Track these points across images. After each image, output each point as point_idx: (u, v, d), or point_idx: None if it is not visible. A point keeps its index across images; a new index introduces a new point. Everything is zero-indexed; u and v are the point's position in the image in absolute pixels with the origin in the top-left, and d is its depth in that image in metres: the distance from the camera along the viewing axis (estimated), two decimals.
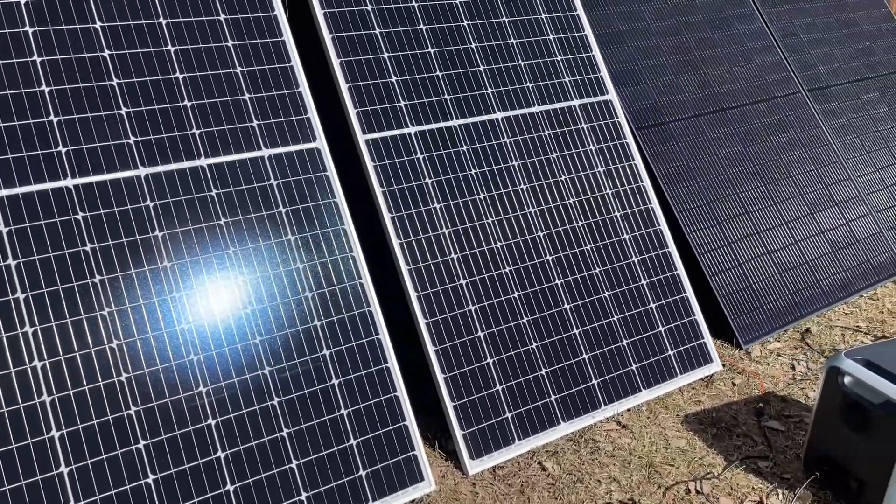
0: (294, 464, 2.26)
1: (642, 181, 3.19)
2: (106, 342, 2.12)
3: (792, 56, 4.16)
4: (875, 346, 2.34)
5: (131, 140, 2.31)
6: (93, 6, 2.35)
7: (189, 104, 2.42)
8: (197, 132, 2.41)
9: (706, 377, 3.01)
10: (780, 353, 3.18)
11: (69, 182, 2.19)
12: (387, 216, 2.65)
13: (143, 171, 2.30)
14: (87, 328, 2.11)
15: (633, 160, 3.21)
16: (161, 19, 2.45)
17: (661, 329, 3.00)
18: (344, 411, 2.37)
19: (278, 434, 2.27)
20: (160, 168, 2.33)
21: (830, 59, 4.31)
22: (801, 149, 3.87)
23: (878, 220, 3.89)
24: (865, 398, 2.20)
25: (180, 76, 2.43)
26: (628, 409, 2.82)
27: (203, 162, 2.40)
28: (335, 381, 2.39)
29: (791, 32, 4.24)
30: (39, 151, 2.18)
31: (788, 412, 2.80)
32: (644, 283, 3.04)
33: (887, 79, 4.49)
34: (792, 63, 4.13)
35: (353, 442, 2.36)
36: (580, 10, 3.31)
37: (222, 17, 2.55)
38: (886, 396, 2.13)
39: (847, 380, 2.26)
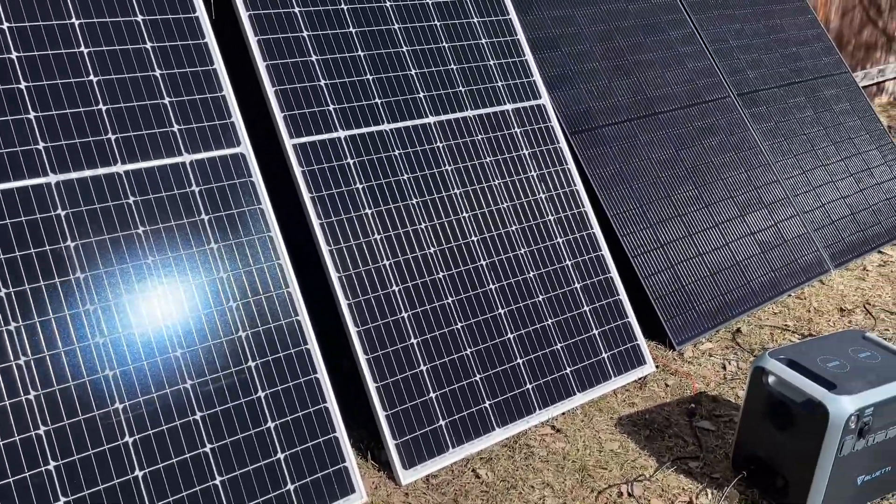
0: (218, 480, 2.18)
1: (575, 185, 3.21)
2: (12, 359, 2.01)
3: (722, 61, 4.24)
4: (798, 346, 2.38)
5: (41, 146, 2.20)
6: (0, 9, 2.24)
7: (104, 108, 2.32)
8: (113, 137, 2.32)
9: (640, 379, 3.04)
10: (711, 354, 3.23)
11: None
12: (316, 222, 2.59)
13: (53, 179, 2.19)
14: None
15: (567, 164, 3.22)
16: (74, 19, 2.35)
17: (595, 332, 3.02)
18: (271, 424, 2.31)
19: (201, 450, 2.19)
20: (73, 175, 2.22)
21: (758, 65, 4.42)
22: (732, 152, 3.95)
23: (805, 220, 4.00)
24: (788, 397, 2.24)
25: (94, 79, 2.33)
26: (563, 413, 2.82)
27: (119, 168, 2.30)
28: (261, 394, 2.32)
29: (721, 38, 4.33)
30: None
31: (719, 412, 2.84)
32: (578, 286, 3.05)
33: (813, 83, 4.62)
34: (722, 68, 4.22)
35: (280, 455, 2.29)
36: (513, 15, 3.31)
37: (140, 17, 2.46)
38: (807, 395, 2.18)
39: (771, 379, 2.30)
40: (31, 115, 2.21)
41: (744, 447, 2.42)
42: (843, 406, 2.11)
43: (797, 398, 2.21)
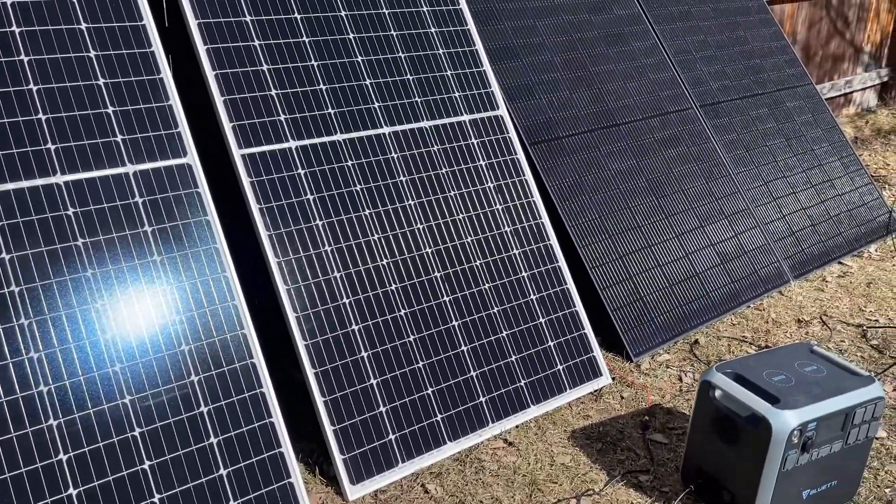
0: (157, 497, 2.14)
1: (532, 196, 3.20)
2: (24, 353, 1.96)
3: (685, 73, 4.27)
4: (745, 360, 2.39)
5: None
6: None
7: (44, 117, 2.28)
8: (52, 147, 2.27)
9: (595, 391, 3.03)
10: (668, 365, 3.23)
11: None
12: (264, 234, 2.56)
13: None
14: (3, 339, 1.94)
15: (524, 175, 3.21)
16: (14, 27, 2.30)
17: (551, 344, 3.01)
18: (213, 440, 2.27)
19: (139, 467, 2.14)
20: (8, 186, 2.18)
21: (722, 76, 4.44)
22: (693, 163, 3.97)
23: (766, 231, 4.02)
24: (734, 411, 2.23)
25: (34, 87, 2.29)
26: (516, 426, 2.81)
27: (59, 179, 2.26)
28: (204, 409, 2.28)
29: (684, 49, 4.35)
30: None
31: (673, 424, 2.84)
32: (534, 298, 3.03)
33: (776, 95, 4.66)
34: (685, 79, 4.24)
35: (223, 471, 2.25)
36: (471, 25, 3.30)
37: (83, 25, 2.42)
38: (752, 409, 2.17)
39: (717, 393, 2.29)
40: None
41: (692, 460, 2.42)
42: (785, 420, 2.11)
43: (742, 412, 2.21)
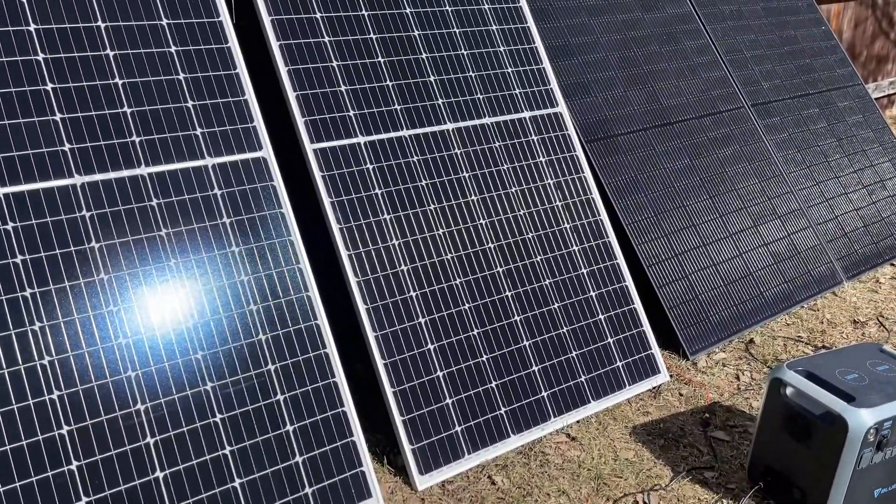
0: (237, 482, 2.19)
1: (591, 193, 3.22)
2: (37, 359, 2.02)
3: (736, 72, 4.26)
4: (816, 357, 2.39)
5: (66, 147, 2.22)
6: (27, 8, 2.26)
7: (129, 111, 2.34)
8: (137, 140, 2.33)
9: (654, 388, 3.04)
10: (725, 364, 3.23)
11: None
12: (335, 227, 2.60)
13: (78, 180, 2.21)
14: (16, 344, 2.01)
15: (583, 172, 3.23)
16: (100, 22, 2.37)
17: (610, 340, 3.02)
18: (290, 427, 2.32)
19: (220, 452, 2.20)
20: (97, 177, 2.24)
21: (773, 76, 4.43)
22: (745, 162, 3.96)
23: (818, 232, 4.00)
24: (806, 409, 2.24)
25: (120, 82, 2.35)
26: (577, 421, 2.83)
27: (143, 171, 2.32)
28: (280, 397, 2.33)
29: (735, 49, 4.34)
30: None
31: (733, 422, 2.85)
32: (593, 294, 3.05)
33: (826, 95, 4.63)
34: (736, 78, 4.23)
35: (298, 459, 2.30)
36: (531, 23, 3.32)
37: (164, 21, 2.48)
38: (826, 407, 2.18)
39: (789, 391, 2.30)
40: (58, 116, 2.23)
41: (760, 458, 2.43)
42: (861, 419, 2.11)
43: (815, 410, 2.21)
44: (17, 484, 1.93)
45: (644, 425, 2.82)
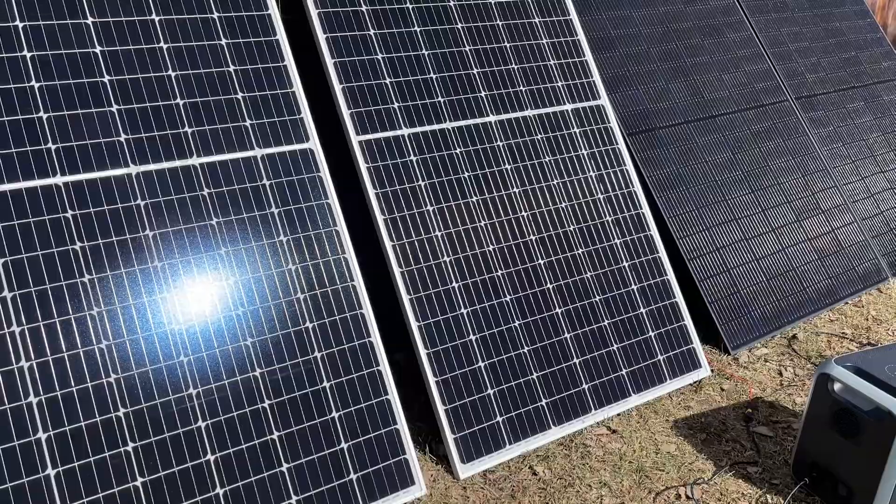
0: (284, 467, 2.24)
1: (633, 186, 3.20)
2: (94, 343, 2.09)
3: (780, 64, 4.20)
4: (864, 353, 2.36)
5: (122, 138, 2.28)
6: (85, 3, 2.32)
7: (182, 102, 2.39)
8: (189, 131, 2.38)
9: (695, 382, 3.03)
10: (767, 359, 3.21)
11: (59, 179, 2.16)
12: (380, 218, 2.63)
13: (134, 170, 2.27)
14: (75, 328, 2.07)
15: (625, 165, 3.22)
16: (154, 16, 2.42)
17: (651, 334, 3.01)
18: (335, 414, 2.35)
19: (269, 437, 2.24)
20: (152, 166, 2.30)
21: (817, 68, 4.35)
22: (789, 156, 3.91)
23: (863, 228, 3.94)
24: (855, 405, 2.21)
25: (173, 74, 2.40)
26: (618, 414, 2.83)
27: (195, 161, 2.37)
28: (327, 384, 2.37)
29: (779, 41, 4.28)
30: (29, 148, 2.14)
31: (776, 418, 2.82)
32: (634, 288, 3.05)
33: (872, 88, 4.54)
34: (780, 71, 4.17)
35: (344, 445, 2.34)
36: (573, 15, 3.32)
37: (215, 14, 2.53)
38: (876, 403, 2.15)
39: (837, 386, 2.28)
40: (114, 107, 2.29)
41: (805, 454, 2.41)
42: None
43: (865, 406, 2.19)
44: (76, 464, 1.99)
45: (685, 419, 2.81)
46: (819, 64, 4.39)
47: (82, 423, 2.02)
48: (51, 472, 1.96)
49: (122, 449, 2.05)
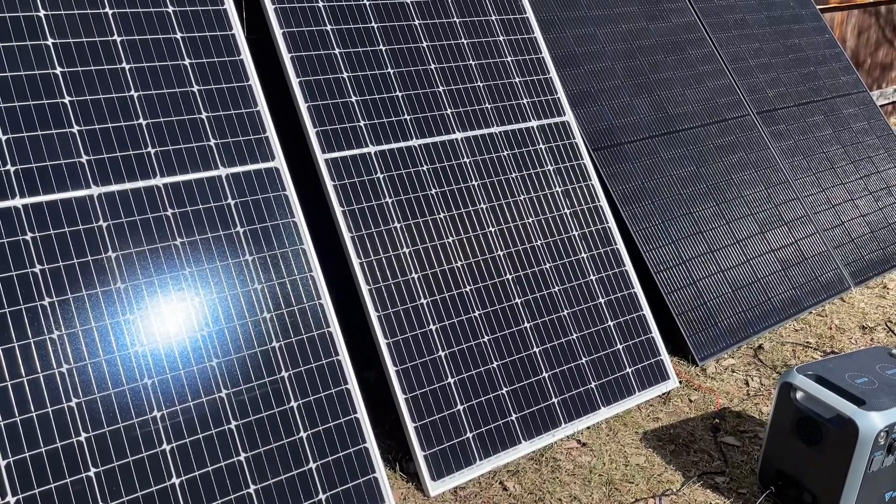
0: (252, 488, 2.21)
1: (599, 201, 3.24)
2: (55, 366, 2.05)
3: (741, 80, 4.29)
4: (825, 362, 2.40)
5: (84, 159, 2.26)
6: (44, 23, 2.31)
7: (144, 122, 2.38)
8: (152, 151, 2.37)
9: (663, 394, 3.05)
10: (734, 370, 3.25)
11: (17, 202, 2.13)
12: (346, 235, 2.64)
13: (96, 191, 2.25)
14: (34, 352, 2.04)
15: (590, 180, 3.26)
16: (116, 36, 2.41)
17: (620, 347, 3.04)
18: (303, 434, 2.34)
19: (235, 458, 2.22)
20: (114, 187, 2.28)
21: (777, 83, 4.45)
22: (752, 170, 3.98)
23: (825, 238, 4.02)
24: (817, 412, 2.25)
25: (135, 94, 2.39)
26: (588, 427, 2.84)
27: (159, 181, 2.35)
28: (294, 404, 2.35)
29: (740, 57, 4.37)
30: None
31: (743, 427, 2.86)
32: (602, 301, 3.07)
33: (831, 102, 4.66)
34: (741, 86, 4.26)
35: (312, 465, 2.32)
36: (537, 33, 3.36)
37: (178, 35, 2.53)
38: (837, 411, 2.19)
39: (799, 395, 2.31)
40: (75, 128, 2.27)
41: (771, 462, 2.44)
42: (872, 422, 2.12)
43: (826, 414, 2.23)
44: (37, 490, 1.96)
45: (654, 431, 2.83)
46: (779, 79, 4.49)
47: (42, 449, 1.99)
48: (10, 499, 1.92)
49: (83, 474, 2.02)
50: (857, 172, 4.45)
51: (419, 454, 2.51)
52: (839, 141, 4.51)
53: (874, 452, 2.14)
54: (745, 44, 4.46)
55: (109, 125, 2.33)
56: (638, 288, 3.18)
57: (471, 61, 3.14)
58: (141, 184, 2.32)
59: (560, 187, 3.17)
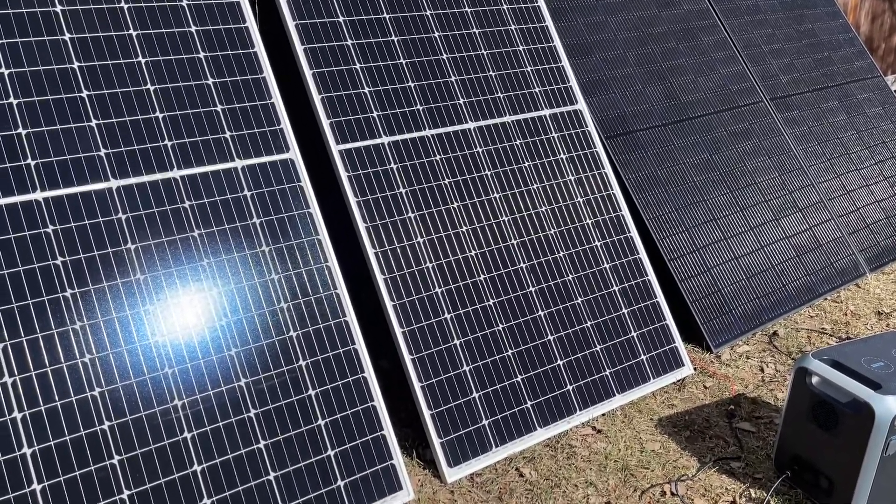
0: (272, 475, 2.25)
1: (612, 189, 3.24)
2: (78, 357, 2.09)
3: (754, 66, 4.26)
4: (841, 347, 2.40)
5: (102, 152, 2.29)
6: (62, 19, 2.33)
7: (161, 116, 2.41)
8: (169, 144, 2.40)
9: (678, 381, 3.06)
10: (749, 356, 3.25)
11: (39, 195, 2.17)
12: (361, 226, 2.66)
13: (114, 184, 2.28)
14: (58, 343, 2.07)
15: (603, 168, 3.26)
16: (132, 30, 2.44)
17: (634, 334, 3.05)
18: (321, 422, 2.37)
19: (255, 446, 2.25)
20: (132, 180, 2.31)
21: (791, 69, 4.43)
22: (765, 156, 3.97)
23: (840, 224, 4.00)
24: (833, 397, 2.25)
25: (152, 88, 2.42)
26: (603, 414, 2.86)
27: (176, 173, 2.38)
28: (312, 392, 2.38)
29: (753, 43, 4.35)
30: (8, 164, 2.15)
31: (759, 413, 2.86)
32: (616, 289, 3.08)
33: (845, 87, 4.62)
34: (754, 73, 4.24)
35: (331, 452, 2.35)
36: (549, 22, 3.36)
37: (193, 28, 2.55)
38: (853, 395, 2.19)
39: (815, 380, 2.32)
40: (93, 122, 2.30)
41: (786, 447, 2.44)
42: (888, 406, 2.12)
43: (842, 398, 2.23)
44: (62, 478, 1.99)
45: (669, 417, 2.84)
46: (793, 65, 4.46)
47: (67, 438, 2.03)
48: (36, 486, 1.96)
49: (107, 462, 2.05)
50: (872, 158, 4.42)
51: (436, 441, 2.54)
52: (853, 126, 4.48)
53: (890, 436, 2.14)
54: (758, 30, 4.43)
55: (127, 118, 2.35)
56: (652, 275, 3.18)
57: (483, 51, 3.14)
58: (158, 176, 2.35)
59: (573, 175, 3.17)
